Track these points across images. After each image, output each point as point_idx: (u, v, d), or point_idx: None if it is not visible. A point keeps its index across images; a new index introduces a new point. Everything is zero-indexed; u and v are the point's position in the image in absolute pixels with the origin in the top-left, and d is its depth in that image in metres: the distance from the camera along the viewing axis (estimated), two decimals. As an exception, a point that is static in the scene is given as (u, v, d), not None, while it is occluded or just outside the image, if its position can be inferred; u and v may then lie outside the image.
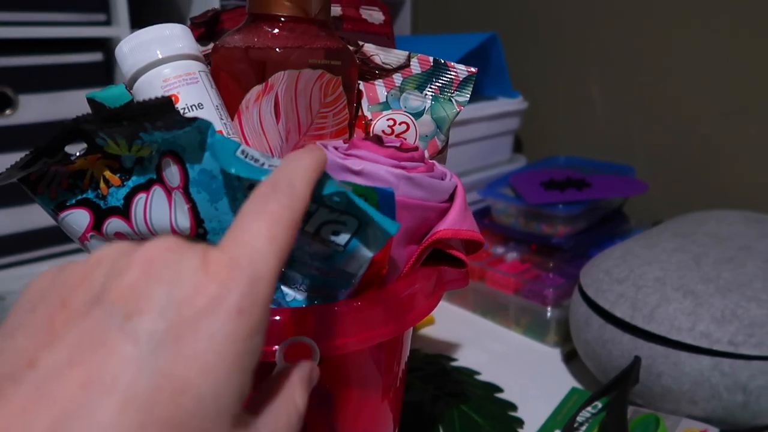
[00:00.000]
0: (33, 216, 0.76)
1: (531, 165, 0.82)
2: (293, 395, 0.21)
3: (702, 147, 0.77)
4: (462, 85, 0.36)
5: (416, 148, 0.34)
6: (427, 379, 0.52)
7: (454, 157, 0.71)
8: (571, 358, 0.56)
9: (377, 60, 0.37)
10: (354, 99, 0.37)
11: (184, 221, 0.27)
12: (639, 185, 0.69)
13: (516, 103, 0.85)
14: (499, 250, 0.68)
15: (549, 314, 0.57)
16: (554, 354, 0.57)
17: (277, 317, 0.27)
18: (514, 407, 0.48)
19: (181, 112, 0.27)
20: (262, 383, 0.22)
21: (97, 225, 0.29)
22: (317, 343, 0.27)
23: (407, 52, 0.37)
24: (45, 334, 0.16)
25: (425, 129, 0.37)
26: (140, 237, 0.29)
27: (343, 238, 0.26)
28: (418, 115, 0.37)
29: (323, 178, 0.22)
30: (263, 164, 0.23)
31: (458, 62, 0.36)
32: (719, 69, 0.73)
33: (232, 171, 0.22)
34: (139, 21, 0.79)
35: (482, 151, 0.83)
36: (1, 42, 0.72)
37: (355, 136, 0.37)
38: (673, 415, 0.44)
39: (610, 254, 0.53)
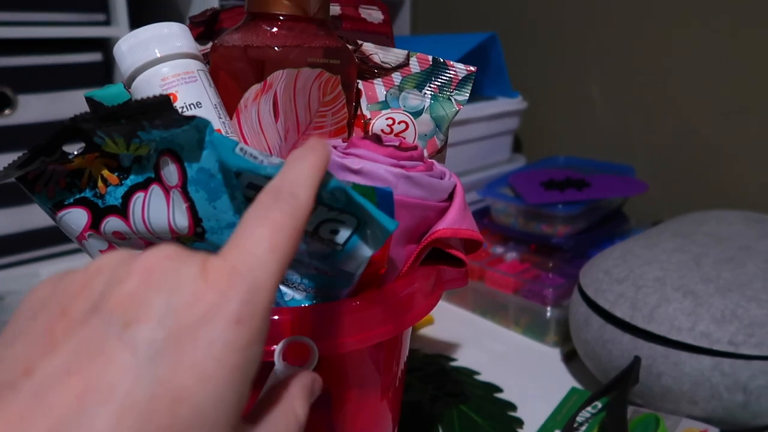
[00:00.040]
0: (33, 216, 0.76)
1: (530, 165, 0.82)
2: (293, 405, 0.21)
3: (702, 147, 0.77)
4: (461, 84, 0.36)
5: (415, 147, 0.34)
6: (427, 379, 0.52)
7: (453, 156, 0.72)
8: (570, 358, 0.56)
9: (376, 59, 0.37)
10: (353, 98, 0.37)
11: (182, 220, 0.27)
12: (639, 185, 0.69)
13: (515, 103, 0.85)
14: (499, 249, 0.67)
15: (549, 314, 0.57)
16: (554, 354, 0.56)
17: (276, 317, 0.27)
18: (513, 407, 0.48)
19: (180, 110, 0.27)
20: (262, 393, 0.22)
21: (95, 224, 0.29)
22: (316, 343, 0.26)
23: (406, 51, 0.37)
24: (44, 343, 0.16)
25: (424, 128, 0.37)
26: (138, 236, 0.29)
27: (341, 237, 0.26)
28: (417, 114, 0.37)
29: (325, 176, 0.22)
30: (262, 162, 0.23)
31: (458, 62, 0.36)
32: (719, 69, 0.73)
33: (231, 163, 0.22)
34: (138, 21, 0.78)
35: (482, 151, 0.83)
36: (1, 42, 0.72)
37: (354, 135, 0.37)
38: (673, 415, 0.44)
39: (609, 254, 0.53)
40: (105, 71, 0.79)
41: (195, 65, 0.32)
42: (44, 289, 0.18)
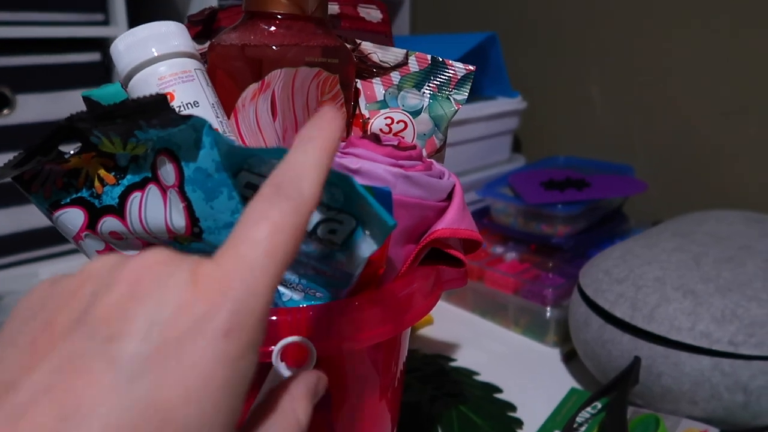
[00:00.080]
0: (31, 216, 0.76)
1: (530, 165, 0.82)
2: (295, 409, 0.20)
3: (702, 147, 0.77)
4: (460, 83, 0.36)
5: (414, 147, 0.34)
6: (426, 379, 0.52)
7: (452, 156, 0.71)
8: (570, 358, 0.55)
9: (375, 58, 0.37)
10: (351, 97, 0.37)
11: (179, 220, 0.27)
12: (638, 185, 0.69)
13: (515, 103, 0.85)
14: (498, 249, 0.67)
15: (548, 314, 0.57)
16: (553, 354, 0.56)
17: (273, 317, 0.27)
18: (513, 408, 0.48)
19: (177, 110, 0.27)
20: (259, 397, 0.22)
21: (91, 224, 0.29)
22: (314, 344, 0.26)
23: (405, 50, 0.37)
24: (29, 357, 0.15)
25: (423, 127, 0.36)
26: (135, 236, 0.29)
27: (340, 237, 0.26)
28: (416, 113, 0.36)
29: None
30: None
31: (456, 61, 0.36)
32: (719, 69, 0.73)
33: (237, 153, 0.22)
34: (137, 21, 0.78)
35: (481, 151, 0.83)
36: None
37: (352, 134, 0.37)
38: (673, 415, 0.44)
39: (609, 254, 0.52)
40: (104, 71, 0.79)
41: (192, 64, 0.32)
42: (35, 296, 0.18)
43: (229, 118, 0.33)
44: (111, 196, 0.29)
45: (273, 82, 0.32)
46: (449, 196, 0.34)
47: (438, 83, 0.36)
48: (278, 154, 0.22)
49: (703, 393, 0.42)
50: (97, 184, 0.29)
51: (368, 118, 0.37)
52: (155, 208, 0.28)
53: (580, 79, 0.87)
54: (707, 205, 0.74)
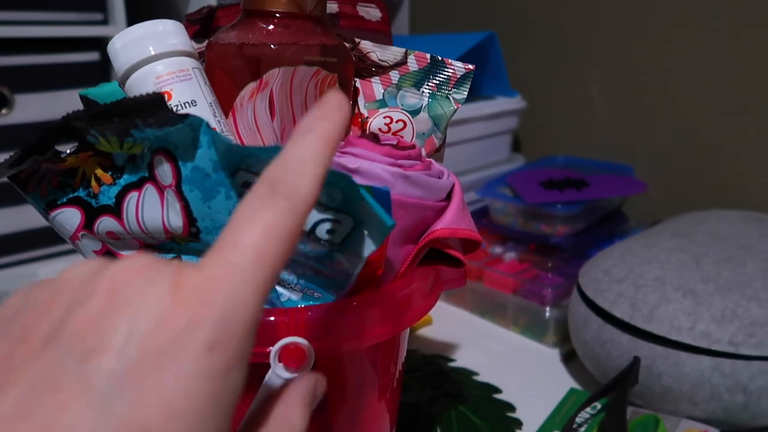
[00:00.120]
0: (29, 216, 0.76)
1: (530, 164, 0.82)
2: (290, 416, 0.19)
3: (702, 147, 0.76)
4: (459, 82, 0.36)
5: (413, 146, 0.33)
6: (425, 379, 0.52)
7: (452, 156, 0.71)
8: (569, 358, 0.55)
9: (374, 57, 0.37)
10: (350, 96, 0.37)
11: (176, 220, 0.27)
12: (638, 185, 0.69)
13: (514, 103, 0.85)
14: (498, 249, 0.67)
15: (548, 314, 0.56)
16: (553, 354, 0.56)
17: (271, 318, 0.27)
18: (512, 408, 0.48)
19: (174, 109, 0.27)
20: (253, 404, 0.21)
21: (88, 224, 0.29)
22: (312, 344, 0.26)
23: (404, 49, 0.36)
24: (4, 375, 0.14)
25: (422, 127, 0.36)
26: (132, 236, 0.29)
27: (339, 237, 0.25)
28: (415, 112, 0.36)
29: None
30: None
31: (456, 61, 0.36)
32: (719, 69, 0.73)
33: (235, 152, 0.22)
34: (135, 20, 0.78)
35: (480, 150, 0.83)
36: (-2, 41, 0.71)
37: (351, 133, 0.37)
38: (672, 415, 0.43)
39: (609, 254, 0.52)
40: (102, 70, 0.79)
41: (190, 63, 0.31)
42: (11, 306, 0.17)
43: (227, 117, 0.33)
44: (108, 196, 0.29)
45: (271, 81, 0.32)
46: (448, 196, 0.34)
47: (437, 82, 0.36)
48: (276, 153, 0.21)
49: (703, 393, 0.41)
50: (93, 183, 0.29)
51: (367, 117, 0.37)
52: (152, 207, 0.27)
53: (580, 79, 0.87)
54: (707, 205, 0.73)
